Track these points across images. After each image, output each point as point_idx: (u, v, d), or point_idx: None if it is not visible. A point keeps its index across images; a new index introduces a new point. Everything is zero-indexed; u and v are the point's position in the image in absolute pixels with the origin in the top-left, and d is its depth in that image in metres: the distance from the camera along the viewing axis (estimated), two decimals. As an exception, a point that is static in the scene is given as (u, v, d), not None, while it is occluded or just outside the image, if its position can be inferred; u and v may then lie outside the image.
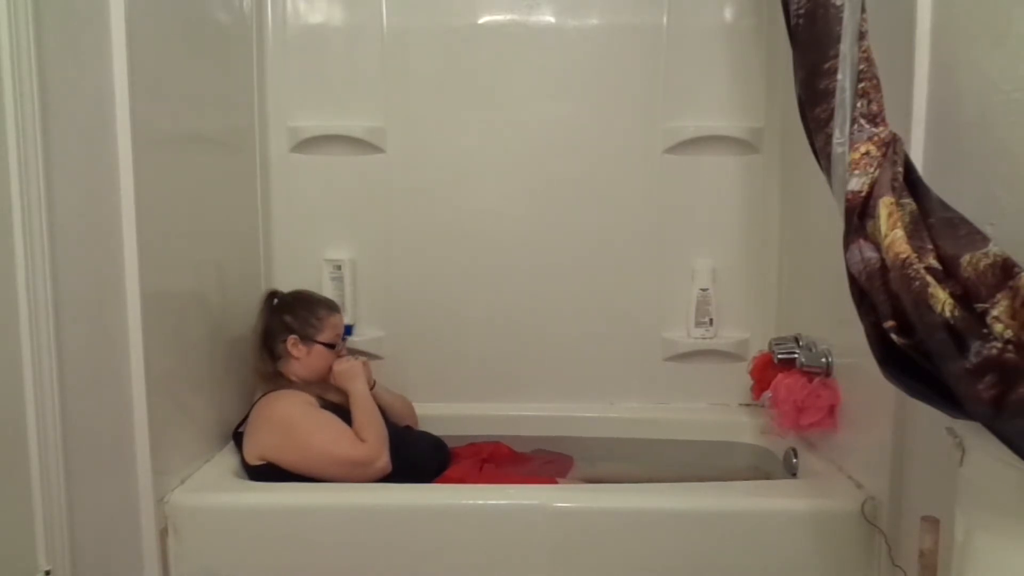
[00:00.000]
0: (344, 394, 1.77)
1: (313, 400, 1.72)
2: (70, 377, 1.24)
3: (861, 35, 1.05)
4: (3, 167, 1.12)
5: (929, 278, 0.83)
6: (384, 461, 1.65)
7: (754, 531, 1.49)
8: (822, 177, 1.11)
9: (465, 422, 2.08)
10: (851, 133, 1.03)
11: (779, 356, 1.82)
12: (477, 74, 2.09)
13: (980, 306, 0.79)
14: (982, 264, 0.80)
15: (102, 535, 1.36)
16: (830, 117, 1.06)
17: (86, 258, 1.31)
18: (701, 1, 2.06)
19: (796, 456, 1.79)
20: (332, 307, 1.86)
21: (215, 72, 1.79)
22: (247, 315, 1.84)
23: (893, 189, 0.95)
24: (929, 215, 0.93)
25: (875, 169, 0.99)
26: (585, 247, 2.12)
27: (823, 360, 1.70)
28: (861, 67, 1.04)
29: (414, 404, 2.04)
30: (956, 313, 0.79)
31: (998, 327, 0.76)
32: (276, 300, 1.85)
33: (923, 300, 0.82)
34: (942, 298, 0.81)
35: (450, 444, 1.90)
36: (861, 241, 0.97)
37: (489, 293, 2.14)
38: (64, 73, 1.23)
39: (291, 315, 1.80)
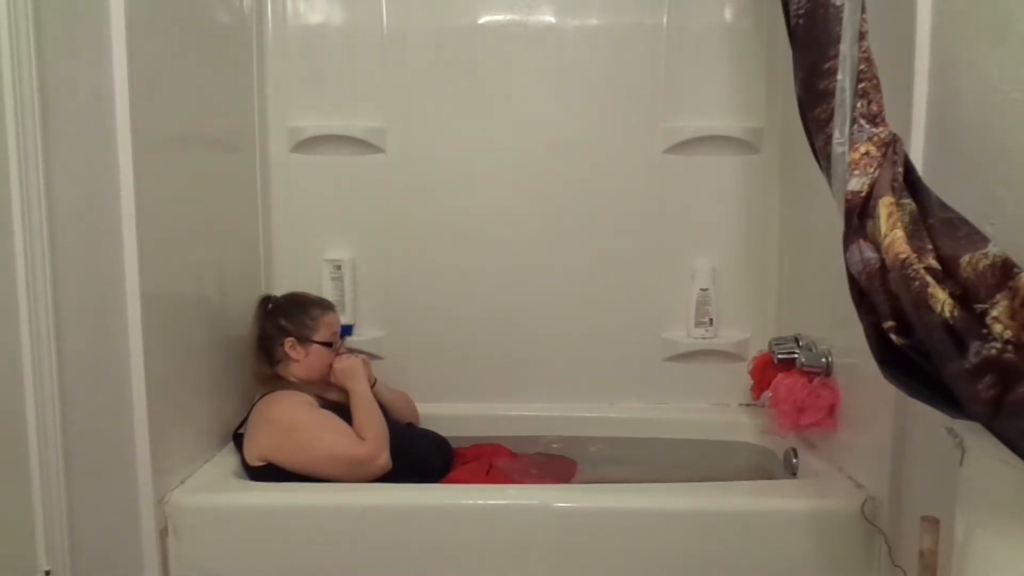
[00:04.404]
0: (344, 393, 1.77)
1: (312, 400, 1.72)
2: (70, 378, 1.24)
3: (861, 35, 1.05)
4: (3, 167, 1.12)
5: (929, 278, 0.83)
6: (384, 459, 1.65)
7: (754, 531, 1.49)
8: (822, 177, 1.11)
9: (465, 422, 2.07)
10: (851, 133, 1.03)
11: (779, 356, 1.82)
12: (477, 74, 2.09)
13: (980, 306, 0.79)
14: (982, 264, 0.80)
15: (102, 535, 1.36)
16: (830, 117, 1.06)
17: (86, 259, 1.31)
18: (701, 1, 2.06)
19: (796, 456, 1.79)
20: (326, 306, 1.86)
21: (215, 72, 1.79)
22: (247, 315, 1.84)
23: (893, 189, 0.95)
24: (929, 215, 0.93)
25: (875, 169, 0.99)
26: (585, 247, 2.12)
27: (823, 360, 1.70)
28: (861, 67, 1.04)
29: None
30: (956, 313, 0.79)
31: (997, 327, 0.76)
32: (270, 305, 1.86)
33: (923, 300, 0.82)
34: (942, 298, 0.81)
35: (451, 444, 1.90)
36: (861, 241, 0.97)
37: (489, 293, 2.14)
38: (64, 73, 1.23)
39: (286, 318, 1.80)
